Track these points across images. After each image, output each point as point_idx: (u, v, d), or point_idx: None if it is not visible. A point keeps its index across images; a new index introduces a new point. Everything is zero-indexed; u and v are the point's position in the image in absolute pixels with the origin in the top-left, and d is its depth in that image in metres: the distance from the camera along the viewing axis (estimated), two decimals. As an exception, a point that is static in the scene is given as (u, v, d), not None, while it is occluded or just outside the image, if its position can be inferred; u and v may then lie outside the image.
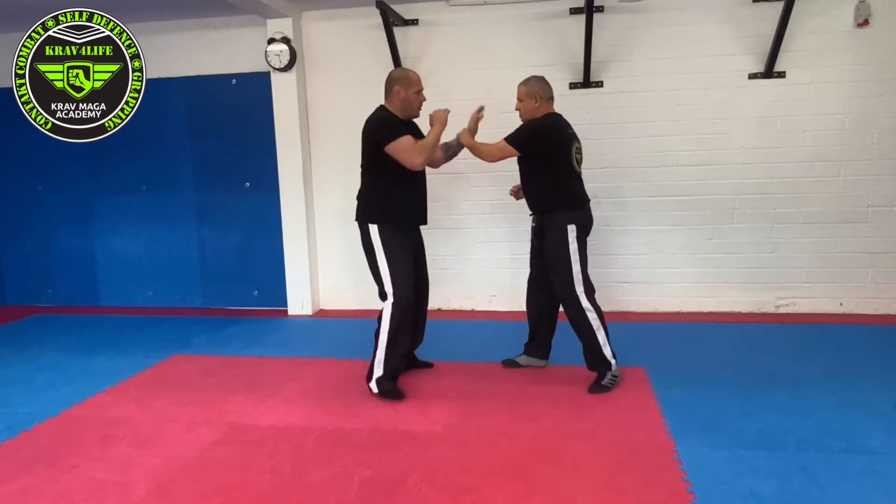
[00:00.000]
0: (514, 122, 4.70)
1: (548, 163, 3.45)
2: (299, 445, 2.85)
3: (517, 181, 3.73)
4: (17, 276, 5.98)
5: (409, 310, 3.36)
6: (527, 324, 3.80)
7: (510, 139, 3.47)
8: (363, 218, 3.42)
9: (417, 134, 3.46)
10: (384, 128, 3.29)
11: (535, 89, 3.50)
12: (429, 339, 3.76)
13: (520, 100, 3.55)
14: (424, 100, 3.47)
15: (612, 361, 3.43)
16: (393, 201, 3.38)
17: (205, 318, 5.29)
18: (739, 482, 2.42)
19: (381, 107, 3.44)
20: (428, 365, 3.83)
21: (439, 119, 3.39)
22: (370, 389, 3.39)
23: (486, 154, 3.52)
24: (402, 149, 3.24)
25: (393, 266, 3.33)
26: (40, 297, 5.94)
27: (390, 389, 3.35)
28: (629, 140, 4.88)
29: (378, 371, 3.37)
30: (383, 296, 3.39)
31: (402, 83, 3.38)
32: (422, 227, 3.60)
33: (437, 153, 3.58)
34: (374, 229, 3.35)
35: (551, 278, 3.51)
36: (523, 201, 3.75)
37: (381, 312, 3.38)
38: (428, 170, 3.60)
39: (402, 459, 2.68)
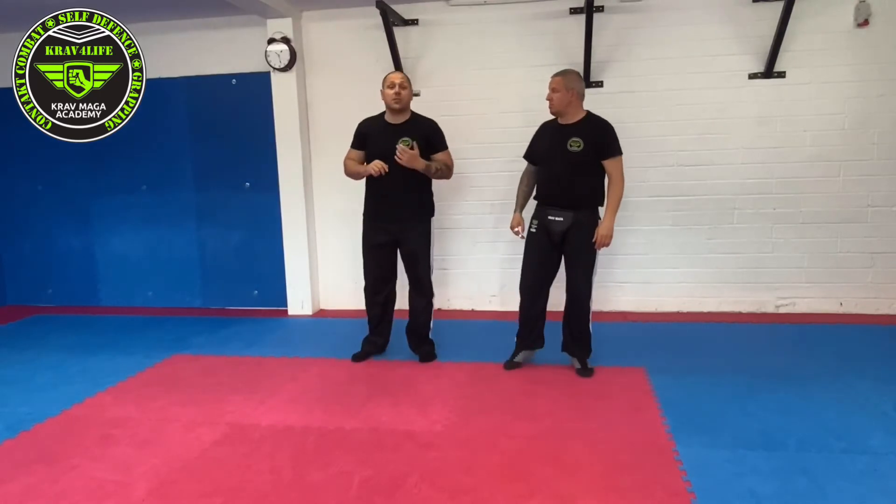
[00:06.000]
0: (514, 122, 4.75)
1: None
2: (299, 445, 2.85)
3: (515, 181, 3.81)
4: (17, 276, 5.97)
5: (369, 296, 3.94)
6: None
7: (619, 151, 3.53)
8: None
9: (390, 133, 3.72)
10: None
11: (575, 84, 3.51)
12: (429, 339, 3.77)
13: (554, 90, 3.51)
14: (394, 95, 3.65)
15: None
16: (366, 199, 3.89)
17: (205, 318, 5.28)
18: (739, 482, 2.42)
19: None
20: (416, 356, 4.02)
21: (372, 166, 3.67)
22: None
23: (623, 180, 3.55)
24: (346, 155, 3.93)
25: (363, 257, 3.94)
26: (40, 297, 5.94)
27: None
28: (629, 140, 4.80)
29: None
30: None
31: (383, 84, 3.74)
32: None
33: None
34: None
35: (576, 272, 3.60)
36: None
37: None
38: None
39: (402, 459, 2.69)
